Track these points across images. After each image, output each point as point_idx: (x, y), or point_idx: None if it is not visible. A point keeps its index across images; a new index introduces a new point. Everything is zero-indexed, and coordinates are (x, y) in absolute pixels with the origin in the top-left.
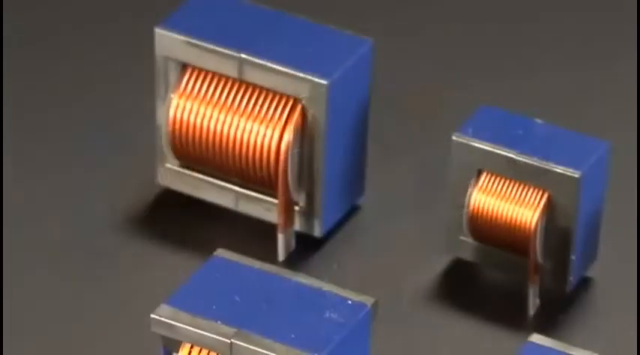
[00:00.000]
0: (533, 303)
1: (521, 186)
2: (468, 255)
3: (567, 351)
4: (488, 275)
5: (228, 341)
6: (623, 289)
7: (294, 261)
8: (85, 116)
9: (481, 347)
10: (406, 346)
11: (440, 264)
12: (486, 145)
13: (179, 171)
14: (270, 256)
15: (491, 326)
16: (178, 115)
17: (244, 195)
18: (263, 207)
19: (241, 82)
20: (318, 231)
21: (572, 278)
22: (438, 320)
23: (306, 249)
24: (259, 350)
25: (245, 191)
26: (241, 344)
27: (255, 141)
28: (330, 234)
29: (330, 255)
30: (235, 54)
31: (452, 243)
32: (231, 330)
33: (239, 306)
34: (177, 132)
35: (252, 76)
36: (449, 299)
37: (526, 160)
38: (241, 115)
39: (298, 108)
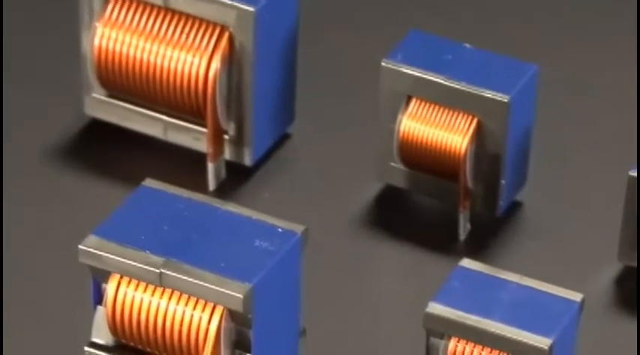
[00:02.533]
0: (463, 228)
1: (451, 112)
2: (398, 181)
3: (497, 275)
4: (419, 202)
5: (158, 270)
6: (552, 212)
7: (225, 190)
8: (9, 47)
9: (412, 273)
10: (338, 273)
11: (371, 190)
12: (415, 71)
13: (106, 101)
14: (200, 186)
15: (422, 252)
16: (104, 44)
17: (173, 125)
18: (192, 137)
19: (167, 10)
20: (248, 160)
21: (502, 203)
22: (369, 247)
23: (236, 178)
24: (189, 279)
25: (174, 120)
26: (170, 273)
27: (183, 70)
28: (260, 163)
29: (261, 183)
30: None
31: (382, 170)
32: (160, 260)
33: (168, 236)
34: (102, 62)
35: (179, 3)
36: (380, 226)
37: (455, 85)
38: (168, 44)
39: (225, 36)
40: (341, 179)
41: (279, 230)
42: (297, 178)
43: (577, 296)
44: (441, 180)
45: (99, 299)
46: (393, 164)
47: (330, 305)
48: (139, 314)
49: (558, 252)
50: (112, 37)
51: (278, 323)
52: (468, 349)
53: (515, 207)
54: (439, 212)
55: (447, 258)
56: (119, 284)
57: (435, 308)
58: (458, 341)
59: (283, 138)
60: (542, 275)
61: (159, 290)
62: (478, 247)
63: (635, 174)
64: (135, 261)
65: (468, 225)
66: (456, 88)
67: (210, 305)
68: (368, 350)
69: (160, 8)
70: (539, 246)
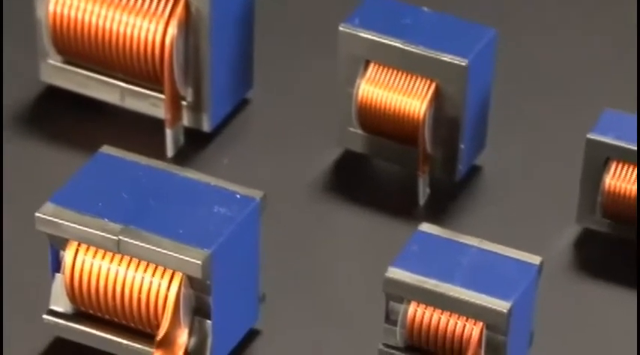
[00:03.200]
0: (423, 193)
1: (410, 76)
2: (358, 146)
3: (456, 239)
4: (379, 167)
5: (116, 238)
6: (511, 176)
7: (183, 156)
8: None
9: (372, 238)
10: (297, 238)
11: (330, 156)
12: (373, 35)
13: (62, 68)
14: (158, 152)
15: (382, 217)
16: (58, 10)
17: (130, 91)
18: (149, 103)
19: None
20: (206, 126)
21: (461, 167)
22: (328, 212)
23: (195, 144)
24: (147, 246)
25: (131, 86)
26: (129, 240)
27: (139, 36)
28: (219, 129)
29: (220, 149)
30: None
31: (342, 135)
32: (118, 227)
33: (126, 203)
34: (58, 28)
35: None
36: (339, 191)
37: (413, 50)
38: (124, 9)
39: (182, 1)
40: (300, 144)
41: (238, 196)
42: (256, 144)
43: (536, 260)
44: (400, 145)
45: (57, 267)
46: (352, 129)
47: (290, 270)
48: (98, 281)
49: (517, 216)
50: (67, 2)
51: (237, 288)
52: (427, 313)
53: (474, 171)
54: (399, 177)
55: (406, 223)
56: (77, 251)
57: (394, 272)
58: (417, 306)
59: (242, 104)
60: (502, 239)
61: (117, 257)
62: (438, 211)
63: (592, 136)
64: (92, 229)
65: (428, 190)
66: (414, 52)
67: (169, 272)
68: (328, 316)
69: None
70: (498, 209)
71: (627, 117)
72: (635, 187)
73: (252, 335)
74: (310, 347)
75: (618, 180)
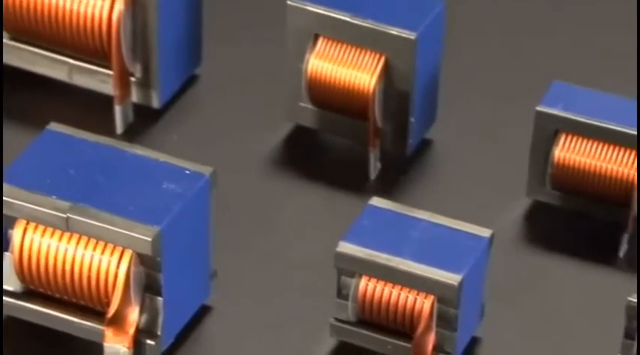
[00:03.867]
0: (374, 167)
1: (359, 50)
2: (308, 121)
3: (407, 213)
4: (330, 141)
5: (64, 215)
6: (462, 150)
7: (133, 133)
8: None
9: (324, 213)
10: (248, 214)
11: (281, 131)
12: (321, 9)
13: (10, 44)
14: (107, 129)
15: (333, 192)
16: None
17: (78, 68)
18: (98, 79)
19: None
20: (156, 102)
21: (411, 141)
22: (280, 188)
23: (144, 120)
24: (96, 223)
25: (79, 63)
26: (77, 218)
27: (86, 12)
28: (168, 105)
29: (170, 125)
30: None
31: (292, 110)
32: (66, 204)
33: (75, 180)
34: (4, 4)
35: None
36: (290, 167)
37: (362, 23)
38: None
39: None
40: (250, 120)
41: (187, 172)
42: (206, 120)
43: (486, 232)
44: (351, 119)
45: (6, 245)
46: (302, 104)
47: (241, 246)
48: (47, 260)
49: (468, 189)
50: None
51: (188, 265)
52: (378, 287)
53: (424, 144)
54: (349, 151)
55: (358, 197)
56: (25, 230)
57: (345, 247)
58: (369, 280)
59: (191, 80)
60: (452, 213)
61: (66, 235)
62: (389, 185)
63: (542, 108)
64: (41, 206)
65: (379, 164)
66: (363, 26)
67: (118, 250)
68: (280, 290)
69: None
70: (449, 183)
71: (576, 89)
72: (583, 158)
73: (203, 311)
74: (262, 322)
75: (567, 152)
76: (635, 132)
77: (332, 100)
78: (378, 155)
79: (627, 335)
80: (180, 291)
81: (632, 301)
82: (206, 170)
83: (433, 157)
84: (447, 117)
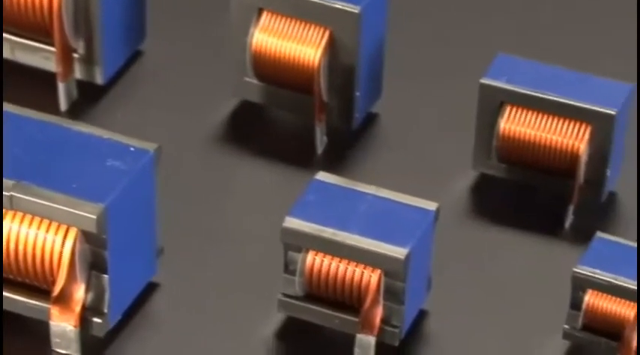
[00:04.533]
0: (320, 141)
1: (303, 24)
2: (254, 96)
3: (353, 187)
4: (276, 116)
5: (8, 194)
6: (407, 123)
7: (77, 110)
8: None
9: (270, 188)
10: (195, 191)
11: (226, 106)
12: None
13: None
14: (51, 106)
15: (280, 166)
16: None
17: (21, 45)
18: (41, 56)
19: None
20: (99, 78)
21: (357, 115)
22: (226, 163)
23: (88, 97)
24: (40, 201)
25: (21, 40)
26: (21, 196)
27: None
28: (112, 81)
29: (114, 102)
30: None
31: (238, 85)
32: (10, 183)
33: (18, 158)
34: None
35: None
36: (237, 142)
37: None
38: None
39: None
40: (196, 95)
41: (132, 149)
42: (152, 96)
43: (432, 206)
44: (297, 94)
45: None
46: (247, 79)
47: (188, 223)
48: None
49: (414, 163)
50: None
51: (134, 242)
52: (325, 261)
53: (370, 118)
54: (296, 126)
55: (304, 172)
56: None
57: (292, 222)
58: (315, 254)
59: (135, 56)
60: (399, 186)
61: (10, 214)
62: (335, 160)
63: (486, 81)
64: None
65: (325, 138)
66: (307, 0)
67: (63, 227)
68: (227, 267)
69: None
70: (395, 157)
71: (520, 61)
72: (528, 130)
73: (150, 288)
74: (210, 299)
75: (512, 123)
76: (581, 104)
77: (277, 75)
78: (325, 129)
79: (573, 306)
80: (127, 269)
81: (577, 272)
82: (150, 146)
83: (379, 131)
84: (392, 91)
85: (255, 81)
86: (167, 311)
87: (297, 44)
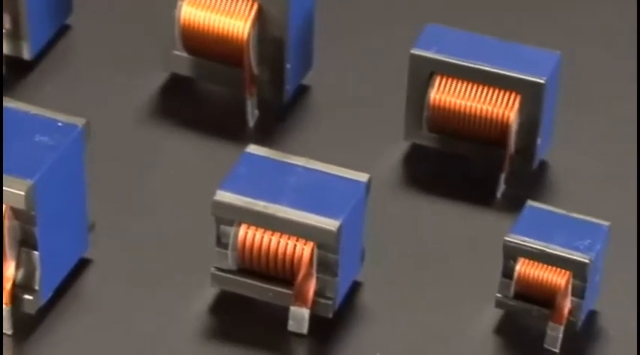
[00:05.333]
0: (251, 114)
1: None
2: (184, 69)
3: (284, 159)
4: (206, 89)
5: None
6: (339, 94)
7: (5, 85)
8: None
9: (202, 162)
10: (125, 165)
11: (156, 80)
12: None
13: None
14: None
15: (211, 140)
16: None
17: None
18: None
19: None
20: (27, 53)
21: (288, 87)
22: (157, 138)
23: (16, 72)
24: None
25: None
26: None
27: None
28: (40, 56)
29: (42, 77)
30: None
31: (166, 59)
32: None
33: None
34: None
35: None
36: (167, 116)
37: None
38: None
39: None
40: (124, 69)
41: (60, 124)
42: (80, 70)
43: (363, 177)
44: (226, 67)
45: None
46: (176, 52)
47: (119, 198)
48: None
49: (346, 134)
50: None
51: (64, 218)
52: (257, 235)
53: (301, 90)
54: (226, 99)
55: (236, 145)
56: None
57: (223, 195)
58: (247, 228)
59: (62, 30)
60: (331, 158)
61: None
62: (267, 133)
63: (416, 51)
64: None
65: (256, 111)
66: None
67: None
68: (159, 241)
69: None
70: (327, 128)
71: (449, 31)
72: (458, 100)
73: (82, 264)
74: (142, 274)
75: (442, 93)
76: (510, 73)
77: (206, 48)
78: (256, 102)
79: (505, 274)
80: (58, 245)
81: (508, 240)
82: (79, 121)
83: (311, 103)
84: (323, 62)
85: (184, 54)
86: (99, 287)
87: (225, 17)
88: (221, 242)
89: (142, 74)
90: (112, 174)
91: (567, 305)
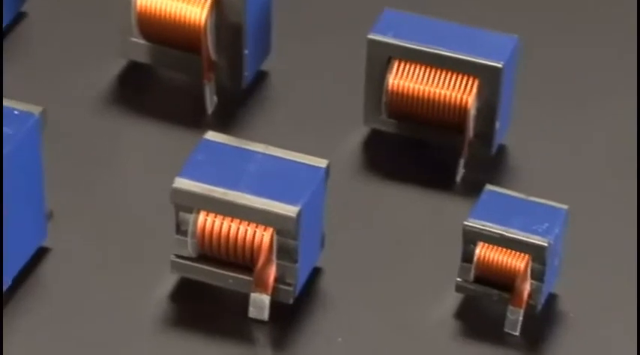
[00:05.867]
0: (210, 101)
1: None
2: (141, 56)
3: (243, 146)
4: (164, 76)
5: None
6: (297, 80)
7: None
8: None
9: (161, 149)
10: (84, 153)
11: (113, 67)
12: None
13: None
14: None
15: (170, 127)
16: None
17: None
18: None
19: None
20: None
21: (247, 73)
22: (115, 125)
23: None
24: None
25: None
26: None
27: None
28: None
29: None
30: None
31: (124, 46)
32: None
33: None
34: None
35: None
36: (126, 103)
37: None
38: None
39: None
40: (82, 57)
41: (16, 112)
42: (36, 58)
43: (322, 163)
44: (184, 53)
45: None
46: (134, 39)
47: (78, 185)
48: None
49: (306, 120)
50: None
51: (22, 207)
52: (217, 222)
53: (260, 76)
54: (185, 86)
55: (195, 132)
56: None
57: (181, 182)
58: (207, 215)
59: (17, 18)
60: (291, 144)
61: None
62: (226, 119)
63: (373, 36)
64: None
65: (215, 98)
66: None
67: None
68: (118, 229)
69: None
70: (286, 114)
71: (407, 16)
72: (416, 85)
73: (41, 253)
74: (102, 261)
75: (401, 78)
76: (467, 57)
77: (163, 34)
78: (214, 89)
79: (464, 259)
80: (16, 234)
81: (467, 225)
82: (36, 110)
83: (269, 89)
84: (282, 48)
85: (141, 41)
86: (58, 276)
87: (182, 3)
88: (180, 229)
89: (100, 61)
90: (70, 161)
91: (527, 288)
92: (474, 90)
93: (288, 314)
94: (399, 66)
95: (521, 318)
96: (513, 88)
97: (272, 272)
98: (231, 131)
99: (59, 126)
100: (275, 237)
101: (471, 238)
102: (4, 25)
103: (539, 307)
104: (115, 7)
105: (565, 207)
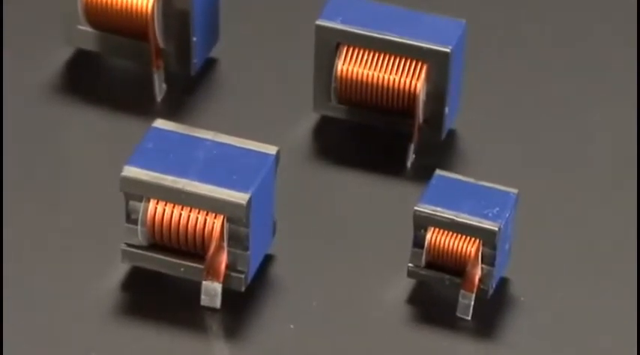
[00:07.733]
0: (159, 89)
1: None
2: (88, 44)
3: (192, 133)
4: (112, 64)
5: None
6: (248, 67)
7: None
8: None
9: (109, 137)
10: (30, 142)
11: (61, 56)
12: None
13: None
14: None
15: (119, 116)
16: None
17: None
18: None
19: None
20: None
21: (196, 61)
22: (63, 114)
23: None
24: None
25: None
26: None
27: None
28: None
29: None
30: None
31: (71, 34)
32: None
33: None
34: None
35: None
36: (73, 92)
37: None
38: None
39: None
40: (28, 45)
41: None
42: None
43: (272, 150)
44: (132, 41)
45: None
46: (81, 27)
47: (26, 175)
48: None
49: (255, 107)
50: None
51: None
52: (167, 210)
53: (209, 63)
54: (133, 74)
55: (144, 120)
56: None
57: (130, 171)
58: (157, 203)
59: None
60: (241, 131)
61: None
62: (175, 107)
63: (321, 22)
64: None
65: (164, 85)
66: None
67: None
68: (68, 219)
69: None
70: (236, 101)
71: (355, 1)
72: (365, 71)
73: None
74: (51, 251)
75: (349, 64)
76: (415, 42)
77: (111, 22)
78: (163, 76)
79: (415, 244)
80: None
81: (418, 210)
82: None
83: (218, 76)
84: (230, 34)
85: (89, 29)
86: (7, 266)
87: None
88: (131, 218)
89: (47, 50)
90: (17, 151)
91: (478, 273)
92: (423, 75)
93: (241, 302)
94: (347, 51)
95: (472, 303)
96: (462, 72)
97: (223, 260)
98: (180, 118)
99: (6, 114)
100: (226, 225)
101: (422, 223)
102: None
103: (491, 291)
104: None
105: (515, 191)
